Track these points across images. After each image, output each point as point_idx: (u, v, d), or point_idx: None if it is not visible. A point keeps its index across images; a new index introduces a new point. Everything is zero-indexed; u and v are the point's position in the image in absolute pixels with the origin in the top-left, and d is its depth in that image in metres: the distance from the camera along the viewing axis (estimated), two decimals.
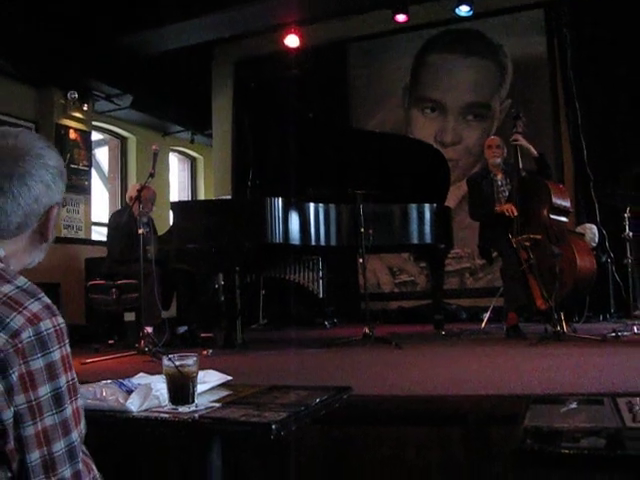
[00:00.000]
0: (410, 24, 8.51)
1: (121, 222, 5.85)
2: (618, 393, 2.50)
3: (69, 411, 1.19)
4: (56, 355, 1.17)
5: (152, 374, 1.93)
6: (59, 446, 1.17)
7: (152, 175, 5.18)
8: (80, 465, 1.20)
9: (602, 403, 1.72)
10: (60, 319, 1.20)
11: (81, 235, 8.53)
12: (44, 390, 1.15)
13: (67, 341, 1.21)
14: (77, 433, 1.21)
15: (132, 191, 6.19)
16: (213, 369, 2.03)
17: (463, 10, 8.10)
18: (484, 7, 8.22)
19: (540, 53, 8.28)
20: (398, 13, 8.20)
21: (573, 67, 7.85)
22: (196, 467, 1.88)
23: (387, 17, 8.32)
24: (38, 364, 1.15)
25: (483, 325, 6.18)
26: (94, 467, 1.27)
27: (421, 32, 8.82)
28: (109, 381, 1.85)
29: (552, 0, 8.13)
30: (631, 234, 5.57)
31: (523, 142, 5.64)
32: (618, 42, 7.37)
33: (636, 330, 5.21)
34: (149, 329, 5.44)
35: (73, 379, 1.21)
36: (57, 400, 1.17)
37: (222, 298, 5.79)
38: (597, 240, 6.92)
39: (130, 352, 4.98)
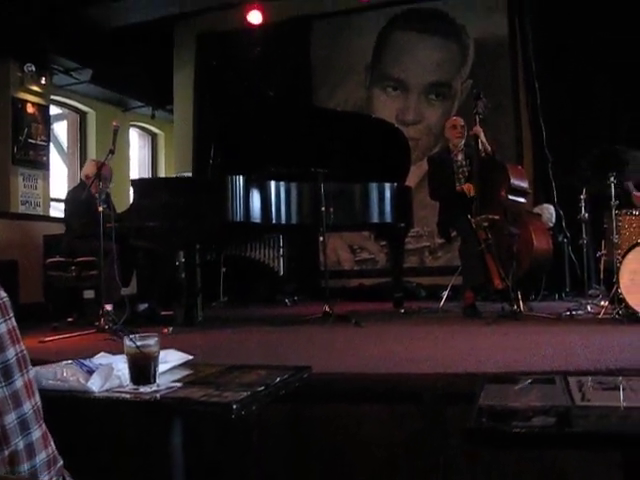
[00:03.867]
0: (374, 2, 8.54)
1: (80, 199, 5.78)
2: (569, 372, 2.58)
3: (19, 383, 1.19)
4: (2, 328, 1.17)
5: (112, 353, 1.93)
6: (10, 418, 1.17)
7: (112, 152, 5.17)
8: (34, 437, 1.20)
9: (554, 382, 1.78)
10: (3, 293, 1.20)
11: (39, 211, 8.37)
12: None
13: (12, 315, 1.20)
14: (30, 405, 1.20)
15: (87, 168, 6.17)
16: (173, 347, 2.03)
17: None
18: None
19: (502, 34, 8.32)
20: None
21: (534, 48, 7.91)
22: (157, 447, 1.89)
23: None
24: None
25: (441, 304, 6.25)
26: (52, 444, 1.27)
27: (384, 10, 8.78)
28: (70, 361, 1.83)
29: None
30: (587, 215, 5.67)
31: (481, 136, 5.68)
32: (579, 24, 7.43)
33: (590, 309, 5.34)
34: (109, 307, 5.42)
35: (22, 351, 1.21)
36: (5, 373, 1.17)
37: (182, 275, 5.77)
38: (554, 220, 7.05)
39: (90, 330, 4.97)
